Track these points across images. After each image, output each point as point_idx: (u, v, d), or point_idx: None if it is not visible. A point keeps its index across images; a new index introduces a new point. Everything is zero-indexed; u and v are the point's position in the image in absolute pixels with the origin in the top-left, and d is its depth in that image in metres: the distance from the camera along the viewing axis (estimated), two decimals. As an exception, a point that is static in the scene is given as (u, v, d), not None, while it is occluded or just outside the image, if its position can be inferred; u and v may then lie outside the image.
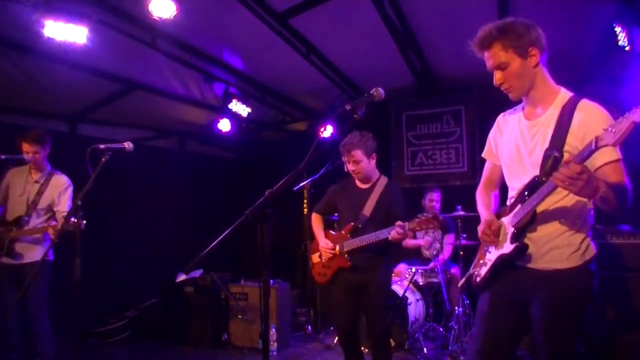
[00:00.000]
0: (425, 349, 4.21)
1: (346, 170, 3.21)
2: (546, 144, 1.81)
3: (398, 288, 4.41)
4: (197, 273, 5.06)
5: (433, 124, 6.01)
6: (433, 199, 5.12)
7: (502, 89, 1.89)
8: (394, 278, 4.70)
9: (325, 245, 3.20)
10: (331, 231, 3.34)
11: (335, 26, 4.11)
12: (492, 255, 1.98)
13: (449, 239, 4.99)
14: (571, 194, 1.70)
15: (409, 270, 4.72)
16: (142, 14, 3.39)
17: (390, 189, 3.18)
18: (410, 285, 4.49)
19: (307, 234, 5.36)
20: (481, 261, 2.06)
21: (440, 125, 5.97)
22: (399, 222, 2.82)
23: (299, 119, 6.49)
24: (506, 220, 1.94)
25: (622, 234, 3.74)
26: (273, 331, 4.49)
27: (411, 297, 4.47)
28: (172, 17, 3.26)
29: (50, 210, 3.60)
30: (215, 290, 4.94)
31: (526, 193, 1.83)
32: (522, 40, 1.78)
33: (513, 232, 1.86)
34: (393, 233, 2.84)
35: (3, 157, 3.51)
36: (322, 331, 5.32)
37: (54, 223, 3.50)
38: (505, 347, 1.94)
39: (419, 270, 4.74)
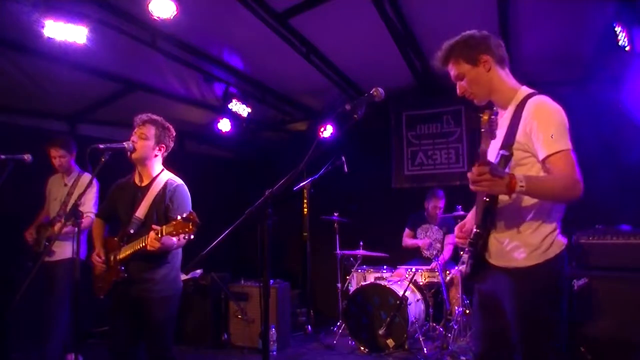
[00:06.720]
0: (425, 349, 4.21)
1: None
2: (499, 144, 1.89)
3: (398, 288, 4.42)
4: (197, 273, 5.06)
5: (433, 124, 6.01)
6: (438, 206, 5.10)
7: (466, 97, 2.01)
8: (394, 278, 4.71)
9: None
10: None
11: (335, 26, 4.11)
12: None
13: (450, 239, 4.98)
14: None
15: (409, 270, 4.72)
16: (142, 14, 3.39)
17: None
18: (410, 285, 4.49)
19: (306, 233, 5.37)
20: (464, 259, 2.13)
21: (440, 125, 5.97)
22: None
23: (299, 119, 6.48)
24: None
25: (622, 234, 3.73)
26: (273, 331, 4.49)
27: (411, 297, 4.46)
28: (172, 17, 3.26)
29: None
30: (215, 290, 4.94)
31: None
32: (472, 50, 1.93)
33: (475, 232, 1.95)
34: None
35: (3, 157, 3.51)
36: (322, 331, 5.32)
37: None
38: (497, 342, 1.95)
39: (419, 270, 4.74)
